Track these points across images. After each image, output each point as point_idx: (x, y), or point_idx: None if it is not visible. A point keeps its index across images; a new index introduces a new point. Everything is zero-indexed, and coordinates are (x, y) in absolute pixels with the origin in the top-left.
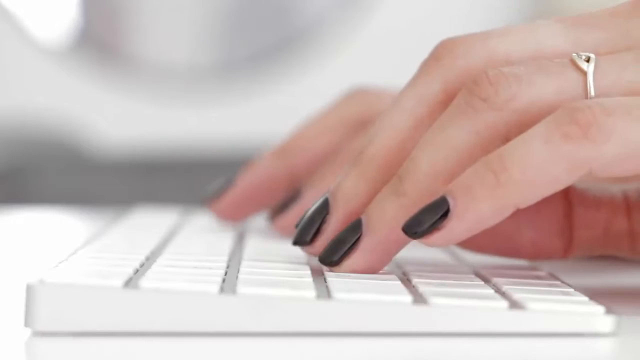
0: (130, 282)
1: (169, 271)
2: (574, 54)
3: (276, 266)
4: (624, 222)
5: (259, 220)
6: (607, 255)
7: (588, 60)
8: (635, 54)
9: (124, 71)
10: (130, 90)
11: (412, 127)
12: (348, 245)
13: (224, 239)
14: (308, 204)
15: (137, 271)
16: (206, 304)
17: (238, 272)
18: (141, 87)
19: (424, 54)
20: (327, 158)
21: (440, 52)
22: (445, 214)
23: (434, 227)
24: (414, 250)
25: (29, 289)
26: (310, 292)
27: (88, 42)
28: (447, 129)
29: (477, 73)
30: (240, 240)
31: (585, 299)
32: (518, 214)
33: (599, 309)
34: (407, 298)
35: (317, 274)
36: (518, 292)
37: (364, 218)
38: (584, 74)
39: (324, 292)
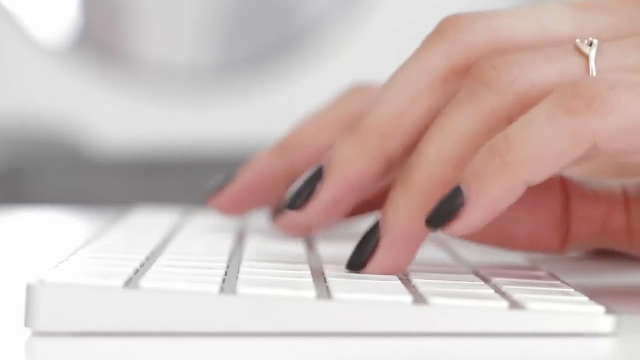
0: (130, 282)
1: (169, 271)
2: (577, 40)
3: (276, 266)
4: (622, 217)
5: (259, 220)
6: (604, 249)
7: (591, 45)
8: (639, 40)
9: (124, 71)
10: (130, 90)
11: (411, 99)
12: (370, 247)
13: (224, 239)
14: None
15: (137, 271)
16: (206, 304)
17: (238, 272)
18: (141, 87)
19: None
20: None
21: (444, 27)
22: (462, 202)
23: (452, 216)
24: None
25: (29, 289)
26: (310, 292)
27: (88, 42)
28: (452, 117)
29: (480, 59)
30: (240, 240)
31: (585, 299)
32: (516, 205)
33: (599, 308)
34: (407, 298)
35: (317, 274)
36: (518, 292)
37: (380, 218)
38: (586, 57)
39: (324, 292)
